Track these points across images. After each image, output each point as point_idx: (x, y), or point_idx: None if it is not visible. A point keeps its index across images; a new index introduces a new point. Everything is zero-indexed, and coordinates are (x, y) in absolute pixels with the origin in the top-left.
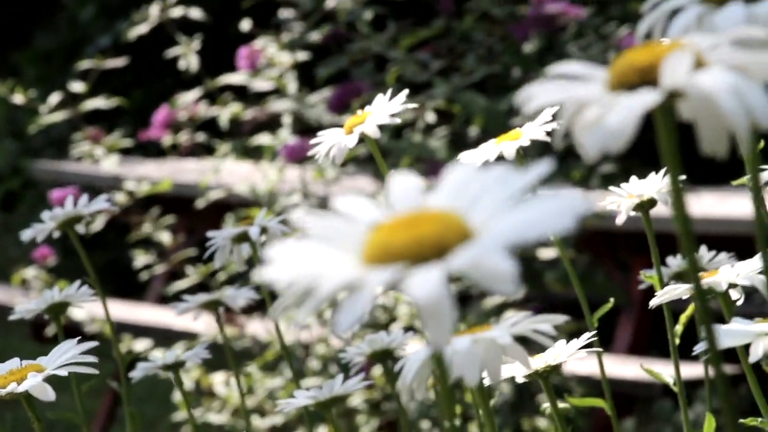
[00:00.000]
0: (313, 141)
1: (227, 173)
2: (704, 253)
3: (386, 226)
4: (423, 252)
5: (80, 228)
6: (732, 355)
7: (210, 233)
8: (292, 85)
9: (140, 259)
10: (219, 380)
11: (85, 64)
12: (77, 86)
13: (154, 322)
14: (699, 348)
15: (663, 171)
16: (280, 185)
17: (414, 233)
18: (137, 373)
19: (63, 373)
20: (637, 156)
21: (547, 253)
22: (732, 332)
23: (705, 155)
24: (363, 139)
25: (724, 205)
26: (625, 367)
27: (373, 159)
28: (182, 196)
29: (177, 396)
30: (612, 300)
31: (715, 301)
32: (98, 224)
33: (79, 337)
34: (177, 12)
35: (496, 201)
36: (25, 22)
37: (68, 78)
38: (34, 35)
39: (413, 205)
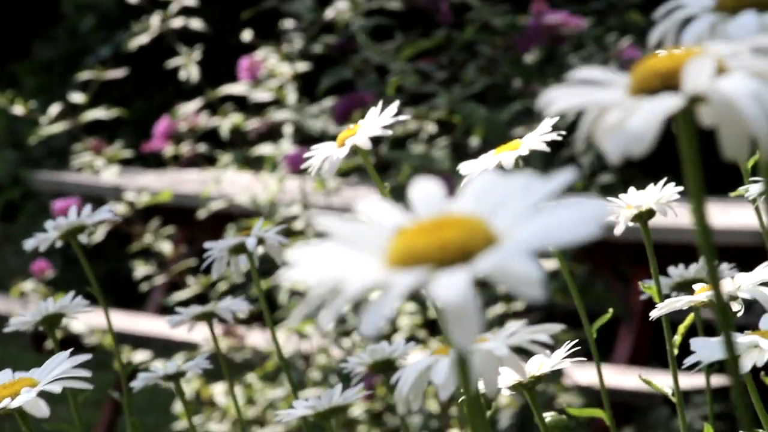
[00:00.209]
0: (306, 154)
1: (228, 184)
2: (704, 263)
3: (410, 231)
4: (448, 256)
5: (82, 238)
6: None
7: (207, 244)
8: (292, 95)
9: (140, 269)
10: (219, 390)
11: (85, 75)
12: (77, 97)
13: (154, 333)
14: (690, 360)
15: (662, 182)
16: (281, 196)
17: (438, 237)
18: (138, 383)
19: (56, 388)
20: (637, 166)
21: (548, 264)
22: (719, 345)
23: (707, 164)
24: (356, 151)
25: (726, 215)
26: (626, 378)
27: (378, 169)
28: (183, 206)
29: (178, 406)
30: (611, 310)
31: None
32: (99, 235)
33: (72, 349)
34: (178, 22)
35: (520, 207)
36: (25, 32)
37: (68, 89)
38: (33, 46)
39: (436, 211)
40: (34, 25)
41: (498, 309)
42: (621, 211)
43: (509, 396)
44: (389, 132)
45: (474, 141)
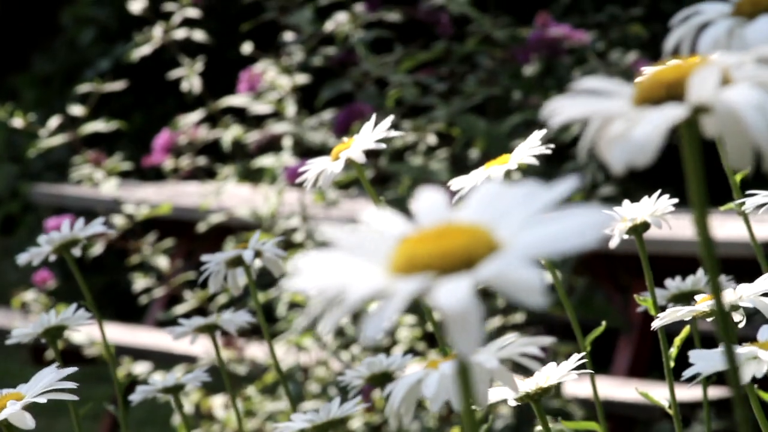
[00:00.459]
0: (301, 168)
1: (227, 196)
2: (701, 275)
3: (413, 239)
4: (450, 263)
5: (79, 251)
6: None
7: (204, 257)
8: (291, 108)
9: (139, 282)
10: (219, 403)
11: (84, 88)
12: (77, 109)
13: (154, 346)
14: (689, 372)
15: (656, 194)
16: (280, 208)
17: (441, 245)
18: (136, 396)
19: (42, 400)
20: (637, 178)
21: (547, 277)
22: (718, 356)
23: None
24: (352, 164)
25: (722, 227)
26: (625, 390)
27: (376, 182)
28: (182, 219)
29: (177, 419)
30: (604, 323)
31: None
32: (97, 248)
33: (57, 364)
34: (180, 34)
35: (523, 215)
36: (24, 45)
37: (67, 101)
38: (32, 59)
39: (439, 219)
40: (33, 37)
41: (496, 322)
42: (616, 223)
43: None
44: (383, 146)
45: (474, 153)
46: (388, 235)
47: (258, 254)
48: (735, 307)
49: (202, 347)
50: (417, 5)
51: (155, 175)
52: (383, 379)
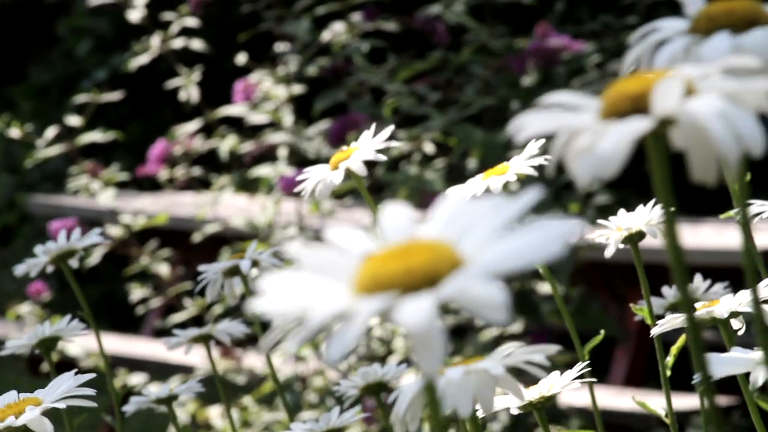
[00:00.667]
0: (299, 177)
1: (224, 206)
2: (699, 283)
3: (378, 257)
4: (414, 281)
5: (76, 262)
6: (729, 384)
7: (201, 267)
8: (287, 118)
9: (136, 293)
10: (215, 413)
11: (81, 98)
12: (73, 120)
13: (150, 356)
14: (698, 378)
15: (652, 203)
16: (277, 218)
17: (405, 263)
18: (130, 408)
19: (61, 405)
20: (633, 187)
21: (544, 287)
22: (730, 361)
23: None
24: (350, 174)
25: (721, 236)
26: (621, 399)
27: (372, 191)
28: (179, 229)
29: (172, 430)
30: (603, 332)
31: (716, 331)
32: (94, 258)
33: (76, 370)
34: (178, 43)
35: (487, 230)
36: (21, 56)
37: (64, 112)
38: (29, 69)
39: (405, 236)
40: (30, 48)
41: (493, 331)
42: (611, 233)
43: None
44: (383, 157)
45: (471, 163)
46: (352, 254)
47: (255, 264)
48: (735, 314)
49: (199, 357)
50: (413, 15)
51: (152, 185)
52: (378, 388)
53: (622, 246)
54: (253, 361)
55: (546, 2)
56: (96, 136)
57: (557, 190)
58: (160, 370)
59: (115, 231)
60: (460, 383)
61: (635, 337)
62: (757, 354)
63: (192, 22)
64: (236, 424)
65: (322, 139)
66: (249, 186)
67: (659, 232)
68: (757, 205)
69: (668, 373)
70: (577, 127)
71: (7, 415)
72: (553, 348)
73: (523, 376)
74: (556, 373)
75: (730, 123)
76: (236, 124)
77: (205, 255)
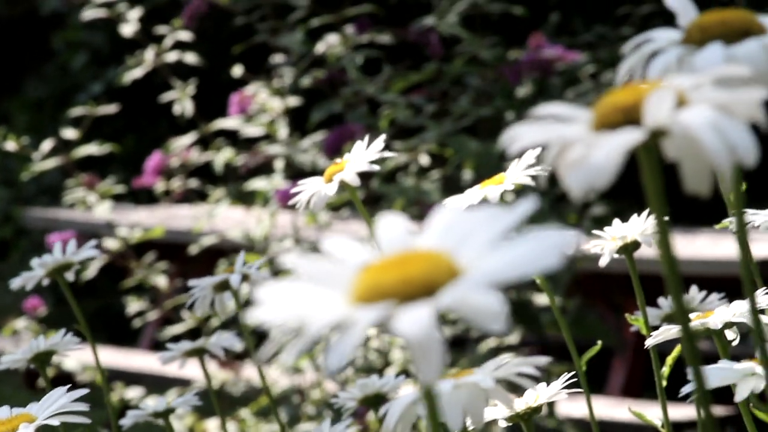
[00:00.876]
0: (293, 190)
1: (220, 219)
2: (695, 294)
3: (375, 267)
4: (411, 291)
5: (72, 275)
6: (724, 395)
7: (191, 282)
8: (282, 130)
9: (133, 306)
10: (213, 426)
11: (76, 111)
12: (69, 133)
13: (147, 369)
14: (687, 389)
15: (645, 213)
16: (273, 230)
17: (402, 272)
18: (127, 421)
19: (54, 422)
20: (629, 198)
21: (542, 298)
22: (719, 372)
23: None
24: (345, 186)
25: (717, 246)
26: (618, 410)
27: (368, 203)
28: (175, 242)
29: None
30: (599, 343)
31: (711, 342)
32: (91, 271)
33: (70, 385)
34: (172, 57)
35: (484, 240)
36: (16, 70)
37: (60, 125)
38: (25, 83)
39: (402, 246)
40: (25, 62)
41: (491, 342)
42: (606, 243)
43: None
44: (376, 167)
45: (467, 174)
46: (349, 264)
47: (245, 278)
48: (728, 325)
49: (197, 370)
50: (407, 26)
51: (148, 198)
52: (376, 400)
53: (617, 256)
54: (251, 373)
55: (539, 14)
56: (92, 149)
57: (553, 201)
58: (157, 383)
59: (111, 244)
60: (450, 397)
61: (632, 347)
62: (746, 365)
63: (185, 35)
64: None
65: (317, 150)
66: (245, 198)
67: (654, 241)
68: (750, 214)
69: (664, 383)
70: (569, 139)
71: None
72: (544, 359)
73: (518, 390)
74: (544, 383)
75: (722, 133)
76: (232, 137)
77: (202, 267)
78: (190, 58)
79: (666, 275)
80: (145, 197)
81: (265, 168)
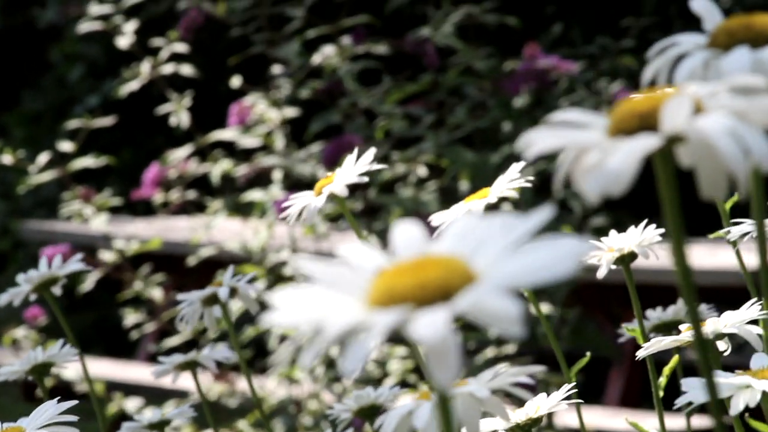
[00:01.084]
0: (285, 203)
1: (218, 230)
2: (682, 305)
3: (390, 272)
4: (428, 295)
5: (59, 290)
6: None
7: (180, 296)
8: (280, 141)
9: (130, 318)
10: None
11: (73, 124)
12: (66, 146)
13: (145, 381)
14: (681, 401)
15: (643, 224)
16: (270, 241)
17: (418, 277)
18: None
19: None
20: (628, 208)
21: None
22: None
23: (698, 205)
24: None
25: (714, 256)
26: (616, 420)
27: (366, 214)
28: (173, 254)
29: None
30: (589, 354)
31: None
32: (88, 284)
33: (59, 397)
34: (168, 69)
35: (499, 246)
36: (13, 83)
37: (56, 138)
38: (21, 96)
39: (417, 252)
40: (22, 75)
41: (489, 353)
42: (603, 254)
43: None
44: (366, 179)
45: (464, 185)
46: (365, 269)
47: (234, 291)
48: (720, 336)
49: (193, 381)
50: (404, 37)
51: (145, 209)
52: (371, 411)
53: (614, 267)
54: (246, 384)
55: (535, 24)
56: (88, 162)
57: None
58: (155, 395)
59: (108, 256)
60: None
61: (630, 357)
62: (739, 378)
63: (181, 47)
64: None
65: (316, 161)
66: (243, 210)
67: (651, 252)
68: (747, 224)
69: (661, 393)
70: (585, 144)
71: None
72: (538, 368)
73: (518, 400)
74: (544, 394)
75: (739, 139)
76: (229, 148)
77: (199, 279)
78: (187, 70)
79: (680, 284)
80: (142, 209)
81: (262, 179)
